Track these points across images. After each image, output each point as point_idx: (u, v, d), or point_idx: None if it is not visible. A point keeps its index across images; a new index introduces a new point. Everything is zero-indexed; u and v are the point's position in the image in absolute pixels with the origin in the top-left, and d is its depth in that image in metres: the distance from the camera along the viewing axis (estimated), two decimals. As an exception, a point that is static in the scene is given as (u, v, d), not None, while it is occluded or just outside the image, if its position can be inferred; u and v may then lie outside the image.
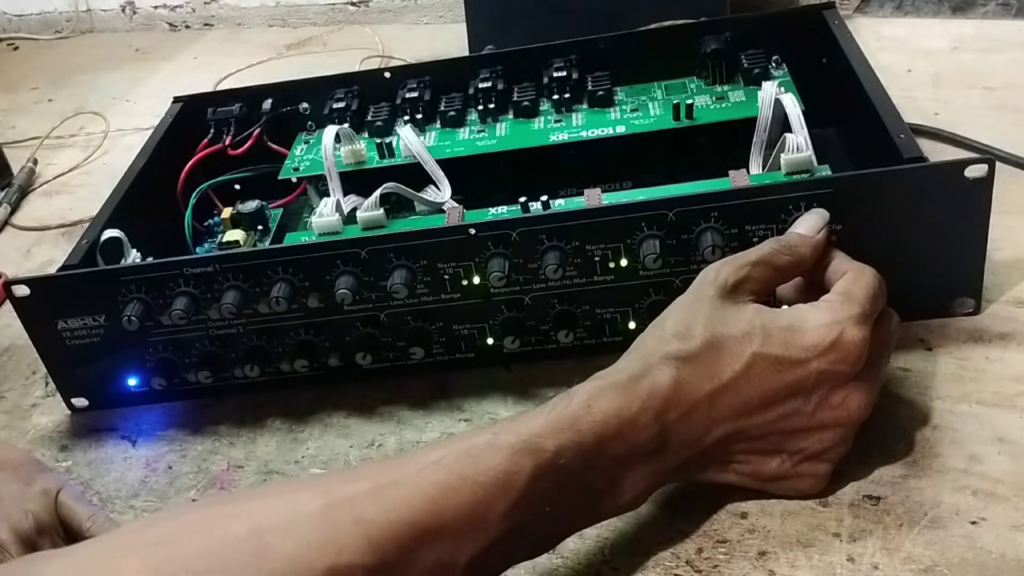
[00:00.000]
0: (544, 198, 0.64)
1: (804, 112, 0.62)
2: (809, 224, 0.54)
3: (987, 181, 0.54)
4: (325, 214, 0.66)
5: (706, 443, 0.48)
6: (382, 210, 0.65)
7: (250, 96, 0.79)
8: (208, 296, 0.61)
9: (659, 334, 0.49)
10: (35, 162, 1.01)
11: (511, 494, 0.43)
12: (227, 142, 0.76)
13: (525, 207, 0.63)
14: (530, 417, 0.46)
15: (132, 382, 0.65)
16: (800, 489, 0.50)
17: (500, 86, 0.75)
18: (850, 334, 0.47)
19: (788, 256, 0.51)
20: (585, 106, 0.74)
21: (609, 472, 0.46)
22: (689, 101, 0.69)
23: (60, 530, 0.55)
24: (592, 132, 0.70)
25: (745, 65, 0.71)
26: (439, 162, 0.70)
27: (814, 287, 0.52)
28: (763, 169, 0.63)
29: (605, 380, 0.47)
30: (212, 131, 0.77)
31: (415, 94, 0.76)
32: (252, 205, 0.73)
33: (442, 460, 0.43)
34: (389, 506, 0.42)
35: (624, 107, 0.73)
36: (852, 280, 0.50)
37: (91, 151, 1.03)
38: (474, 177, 0.72)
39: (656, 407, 0.46)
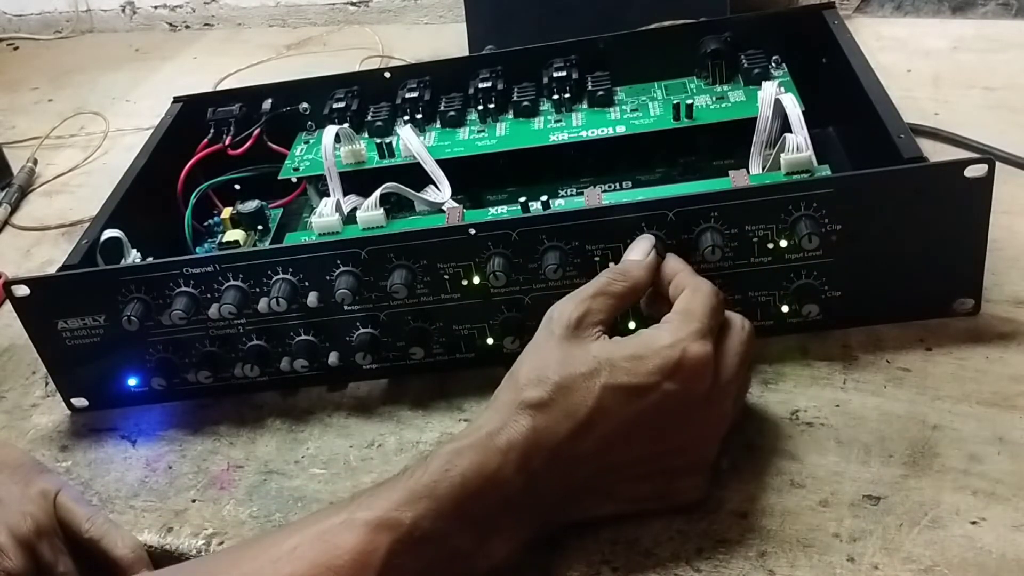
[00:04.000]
0: (544, 198, 0.64)
1: (804, 112, 0.62)
2: (639, 249, 0.55)
3: (987, 181, 0.54)
4: (325, 214, 0.66)
5: (576, 482, 0.48)
6: (382, 210, 0.65)
7: (250, 96, 0.79)
8: (208, 296, 0.61)
9: (513, 385, 0.49)
10: (35, 162, 1.01)
11: (369, 574, 0.43)
12: (227, 142, 0.76)
13: (525, 207, 0.63)
14: (388, 488, 0.46)
15: (132, 382, 0.64)
16: (679, 502, 0.50)
17: (500, 86, 0.75)
18: (692, 351, 0.47)
19: (623, 282, 0.52)
20: (585, 106, 0.74)
21: (475, 533, 0.46)
22: (689, 101, 0.69)
23: (59, 532, 0.55)
24: (592, 132, 0.70)
25: (745, 65, 0.71)
26: (439, 162, 0.70)
27: (668, 301, 0.53)
28: (763, 169, 0.63)
29: (462, 441, 0.47)
30: (212, 131, 0.77)
31: (415, 94, 0.76)
32: (252, 205, 0.73)
33: (297, 549, 0.43)
34: None
35: (624, 107, 0.73)
36: (689, 298, 0.50)
37: (91, 151, 1.03)
38: (474, 177, 0.72)
39: (517, 459, 0.46)
